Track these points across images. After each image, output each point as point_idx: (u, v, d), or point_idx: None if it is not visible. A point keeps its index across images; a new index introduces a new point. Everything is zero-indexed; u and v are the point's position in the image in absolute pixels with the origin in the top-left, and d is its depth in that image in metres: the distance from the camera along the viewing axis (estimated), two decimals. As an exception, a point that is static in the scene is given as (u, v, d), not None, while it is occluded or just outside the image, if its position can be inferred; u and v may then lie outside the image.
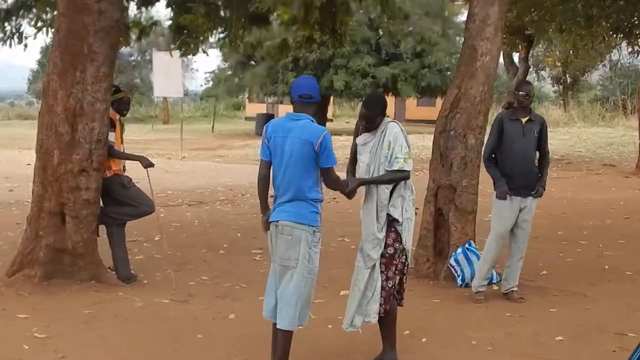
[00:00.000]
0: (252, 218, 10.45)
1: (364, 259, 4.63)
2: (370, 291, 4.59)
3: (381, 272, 4.60)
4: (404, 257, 4.64)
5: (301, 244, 4.23)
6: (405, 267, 4.68)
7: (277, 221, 4.28)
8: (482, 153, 6.26)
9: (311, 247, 4.25)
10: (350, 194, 4.54)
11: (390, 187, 4.59)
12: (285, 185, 4.26)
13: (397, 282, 4.65)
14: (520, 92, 5.91)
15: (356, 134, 4.80)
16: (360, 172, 4.72)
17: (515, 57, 20.73)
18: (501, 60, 17.34)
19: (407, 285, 4.82)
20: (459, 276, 6.62)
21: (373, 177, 4.61)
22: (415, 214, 4.78)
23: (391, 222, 4.60)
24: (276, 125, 4.31)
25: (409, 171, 4.63)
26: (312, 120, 4.25)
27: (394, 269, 4.62)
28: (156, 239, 8.51)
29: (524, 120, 5.95)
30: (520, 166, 5.91)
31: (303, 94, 4.26)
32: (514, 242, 6.11)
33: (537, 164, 6.07)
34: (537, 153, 6.07)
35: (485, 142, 6.28)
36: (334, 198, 12.13)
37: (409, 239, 4.64)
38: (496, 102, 38.94)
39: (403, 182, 4.63)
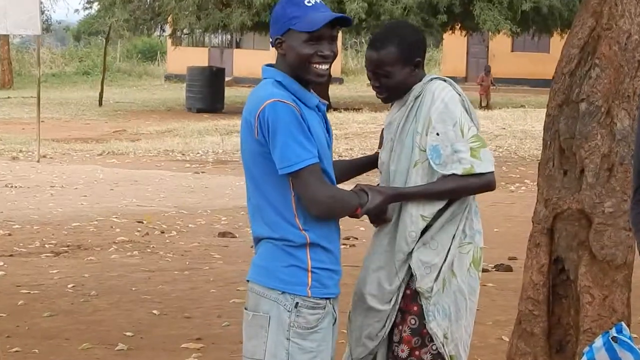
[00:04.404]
0: (183, 278, 10.50)
1: (350, 348, 4.78)
2: None
3: None
4: None
5: (270, 329, 4.33)
6: None
7: (248, 281, 4.46)
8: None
9: (290, 337, 4.33)
10: (379, 217, 4.63)
11: (433, 209, 4.63)
12: (249, 210, 4.46)
13: None
14: None
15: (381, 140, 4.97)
16: (382, 181, 4.83)
17: None
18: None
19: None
20: (598, 394, 6.69)
21: (418, 186, 4.66)
22: (479, 276, 4.83)
23: (414, 286, 4.69)
24: None
25: (491, 173, 4.67)
26: (280, 82, 4.34)
27: None
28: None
29: None
30: None
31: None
32: None
33: None
34: None
35: None
36: (348, 238, 12.16)
37: (455, 330, 4.69)
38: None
39: (467, 201, 4.70)
